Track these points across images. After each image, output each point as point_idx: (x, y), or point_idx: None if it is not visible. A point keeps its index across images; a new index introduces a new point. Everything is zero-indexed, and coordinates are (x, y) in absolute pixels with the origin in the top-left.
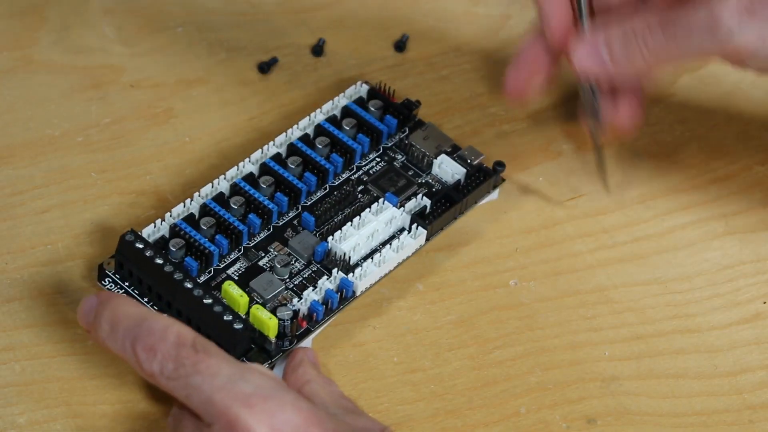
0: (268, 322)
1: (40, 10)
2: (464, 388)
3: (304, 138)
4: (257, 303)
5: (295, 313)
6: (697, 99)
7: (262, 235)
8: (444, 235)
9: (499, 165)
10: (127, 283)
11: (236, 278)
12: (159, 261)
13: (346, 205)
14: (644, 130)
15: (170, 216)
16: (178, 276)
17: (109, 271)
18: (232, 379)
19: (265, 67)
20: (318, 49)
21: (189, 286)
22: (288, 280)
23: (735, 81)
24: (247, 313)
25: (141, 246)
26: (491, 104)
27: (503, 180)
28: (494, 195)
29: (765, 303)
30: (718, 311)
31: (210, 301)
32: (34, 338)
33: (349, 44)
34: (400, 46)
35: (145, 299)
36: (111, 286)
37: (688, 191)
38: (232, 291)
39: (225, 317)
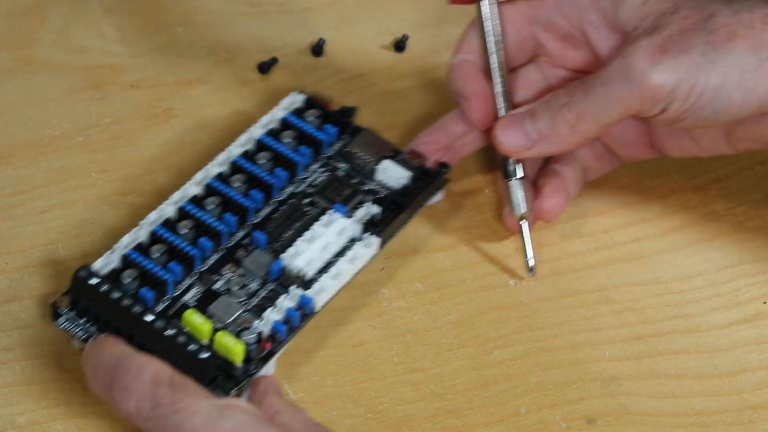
0: (234, 348)
1: (40, 10)
2: (464, 388)
3: (246, 154)
4: (220, 329)
5: (259, 335)
6: None
7: (215, 257)
8: (444, 235)
9: (444, 166)
10: (83, 320)
11: (194, 304)
12: (116, 295)
13: (295, 220)
14: None
15: (120, 246)
16: (137, 309)
17: (63, 310)
18: (211, 416)
19: (265, 67)
20: (318, 49)
21: (149, 318)
22: (246, 301)
23: None
24: (212, 340)
25: (96, 281)
26: None
27: (448, 180)
28: (439, 196)
29: (765, 303)
30: (718, 311)
31: (172, 332)
32: (34, 338)
33: (349, 44)
34: (400, 46)
35: (104, 336)
36: (66, 324)
37: (688, 191)
38: (195, 319)
39: (189, 347)
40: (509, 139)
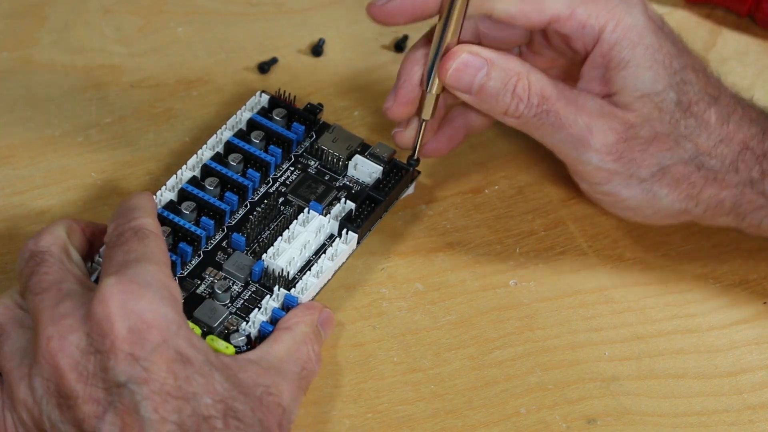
0: (226, 352)
1: (40, 10)
2: (464, 388)
3: (216, 157)
4: (207, 333)
5: (248, 337)
6: None
7: (194, 262)
8: (444, 235)
9: (413, 159)
10: None
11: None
12: None
13: (271, 220)
14: None
15: (99, 258)
16: None
17: None
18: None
19: (265, 67)
20: (318, 49)
21: None
22: (230, 304)
23: (734, 81)
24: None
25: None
26: None
27: (419, 173)
28: (411, 189)
29: (765, 303)
30: (718, 311)
31: None
32: None
33: (349, 44)
34: (400, 46)
35: None
36: None
37: None
38: None
39: None
40: (455, 74)
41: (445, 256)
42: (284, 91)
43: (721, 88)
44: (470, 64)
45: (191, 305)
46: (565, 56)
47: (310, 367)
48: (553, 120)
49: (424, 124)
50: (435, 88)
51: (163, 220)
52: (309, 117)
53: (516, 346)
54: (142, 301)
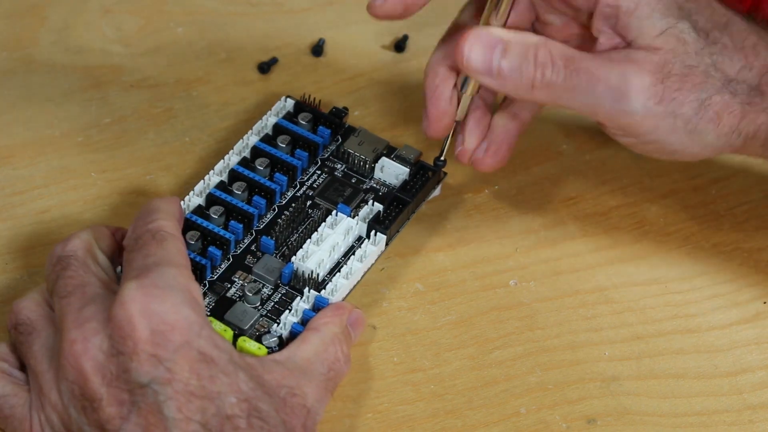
0: (257, 353)
1: (40, 10)
2: (464, 388)
3: (243, 162)
4: (239, 335)
5: (280, 338)
6: None
7: (224, 266)
8: (444, 235)
9: (440, 160)
10: None
11: (208, 313)
12: None
13: (299, 223)
14: None
15: None
16: None
17: None
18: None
19: (265, 67)
20: (318, 49)
21: None
22: (261, 306)
23: None
24: (233, 346)
25: None
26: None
27: (445, 174)
28: (437, 191)
29: (765, 303)
30: (718, 311)
31: None
32: None
33: (349, 44)
34: (400, 46)
35: None
36: None
37: (688, 191)
38: (215, 327)
39: None
40: (472, 56)
41: (445, 256)
42: (309, 96)
43: (729, 15)
44: (485, 43)
45: (222, 308)
46: (574, 19)
47: (337, 368)
48: (585, 78)
49: (455, 124)
50: (470, 89)
51: (191, 225)
52: (334, 120)
53: (516, 346)
54: (164, 303)
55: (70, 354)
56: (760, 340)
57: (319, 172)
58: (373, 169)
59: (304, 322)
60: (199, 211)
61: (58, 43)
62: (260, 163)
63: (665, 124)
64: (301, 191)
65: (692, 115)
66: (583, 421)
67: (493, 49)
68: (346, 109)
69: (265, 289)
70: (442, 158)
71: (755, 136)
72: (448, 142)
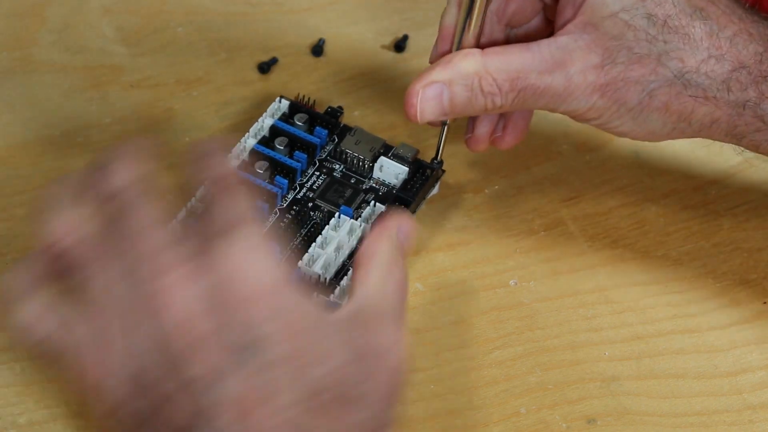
0: None
1: (40, 10)
2: (464, 388)
3: (243, 165)
4: None
5: None
6: None
7: None
8: (444, 235)
9: (436, 162)
10: None
11: None
12: None
13: (302, 226)
14: None
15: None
16: None
17: None
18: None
19: (265, 67)
20: (318, 49)
21: None
22: None
23: None
24: None
25: None
26: None
27: (443, 172)
28: (435, 189)
29: (765, 303)
30: (718, 311)
31: None
32: None
33: (349, 44)
34: (400, 46)
35: None
36: None
37: (689, 191)
38: None
39: None
40: (428, 112)
41: (445, 256)
42: (303, 96)
43: (713, 0)
44: (430, 96)
45: None
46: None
47: (402, 295)
48: (531, 93)
49: (446, 127)
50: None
51: None
52: (330, 120)
53: (516, 346)
54: (267, 263)
55: (155, 300)
56: (760, 340)
57: (318, 173)
58: (371, 168)
59: None
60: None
61: (58, 43)
62: (259, 167)
63: (609, 112)
64: (301, 194)
65: (636, 104)
66: (583, 421)
67: (440, 97)
68: (341, 108)
69: None
70: (438, 159)
71: (712, 126)
72: (443, 142)
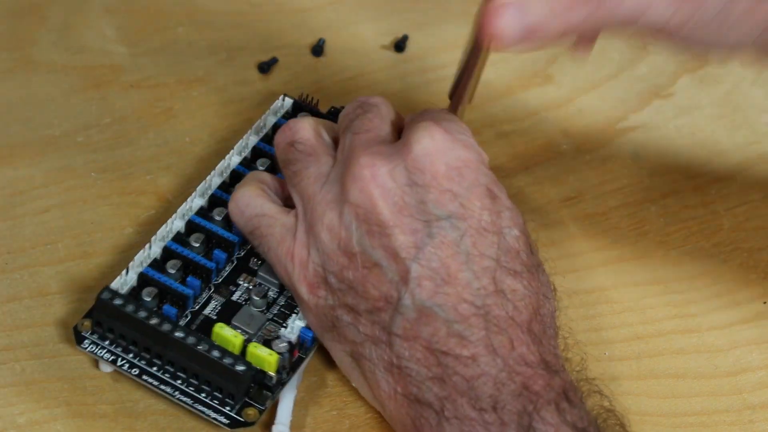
0: (268, 359)
1: (40, 10)
2: None
3: (245, 162)
4: (248, 340)
5: (290, 343)
6: (697, 99)
7: (228, 269)
8: None
9: None
10: (107, 342)
11: (215, 318)
12: (142, 314)
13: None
14: (643, 131)
15: (135, 264)
16: (166, 327)
17: (86, 333)
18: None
19: (265, 67)
20: (318, 49)
21: (180, 335)
22: (266, 310)
23: (735, 81)
24: (243, 352)
25: (120, 302)
26: (491, 104)
27: None
28: None
29: (765, 303)
30: (718, 311)
31: (205, 347)
32: (34, 338)
33: (349, 44)
34: (400, 46)
35: (130, 355)
36: (92, 348)
37: (689, 191)
38: (225, 332)
39: (224, 361)
40: (506, 30)
41: None
42: (307, 95)
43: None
44: (507, 13)
45: (229, 312)
46: None
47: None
48: (613, 3)
49: None
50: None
51: (194, 227)
52: (333, 120)
53: None
54: (457, 143)
55: (360, 176)
56: (760, 340)
57: None
58: None
59: (302, 342)
60: (202, 212)
61: (58, 43)
62: (261, 164)
63: (693, 20)
64: None
65: (719, 10)
66: None
67: (518, 14)
68: (344, 108)
69: (270, 293)
70: None
71: None
72: None
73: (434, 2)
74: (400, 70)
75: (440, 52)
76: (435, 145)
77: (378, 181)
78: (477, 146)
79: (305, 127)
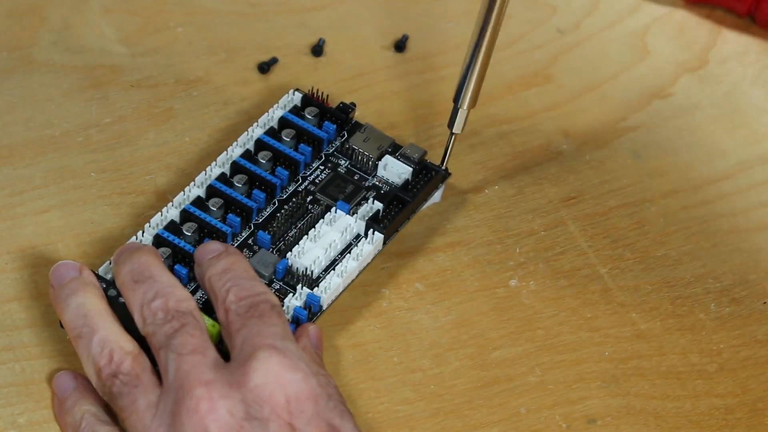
0: None
1: (40, 10)
2: (464, 388)
3: (246, 154)
4: None
5: None
6: (697, 99)
7: None
8: (444, 235)
9: (443, 169)
10: None
11: (201, 306)
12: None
13: (298, 218)
14: (643, 131)
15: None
16: None
17: None
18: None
19: (265, 67)
20: (318, 49)
21: None
22: None
23: (735, 81)
24: (220, 342)
25: (103, 287)
26: (491, 104)
27: (449, 174)
28: (437, 197)
29: (765, 303)
30: (718, 311)
31: None
32: (34, 338)
33: (349, 44)
34: (400, 46)
35: None
36: None
37: (688, 191)
38: (206, 322)
39: None
40: None
41: (445, 256)
42: (317, 90)
43: None
44: None
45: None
46: None
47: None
48: None
49: (453, 137)
50: (467, 103)
51: (189, 216)
52: (341, 116)
53: (516, 346)
54: (297, 373)
55: (194, 412)
56: (759, 340)
57: (322, 167)
58: (376, 166)
59: (296, 320)
60: (199, 202)
61: (58, 43)
62: (263, 157)
63: None
64: (302, 186)
65: None
66: (583, 421)
67: None
68: (353, 104)
69: None
70: (444, 167)
71: None
72: (450, 151)
73: (434, 2)
74: (400, 70)
75: (440, 52)
76: (274, 375)
77: (215, 415)
78: (320, 371)
79: (128, 355)
